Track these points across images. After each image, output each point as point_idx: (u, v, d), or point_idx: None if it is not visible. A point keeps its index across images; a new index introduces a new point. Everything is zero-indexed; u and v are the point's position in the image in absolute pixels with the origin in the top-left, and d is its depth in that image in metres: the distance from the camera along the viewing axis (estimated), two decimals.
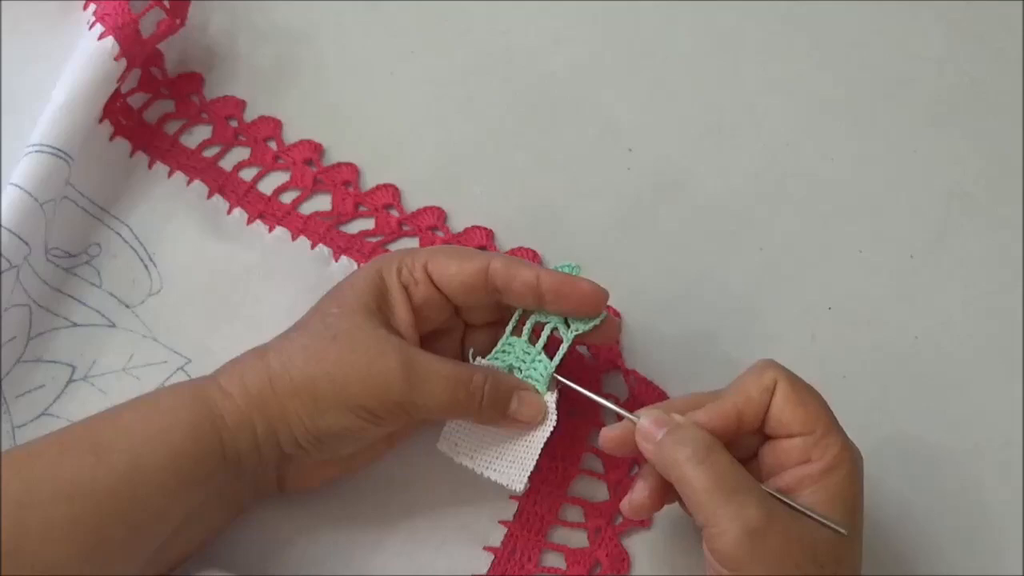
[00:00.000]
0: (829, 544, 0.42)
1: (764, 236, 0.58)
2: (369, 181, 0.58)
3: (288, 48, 0.62)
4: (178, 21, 0.58)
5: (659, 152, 0.60)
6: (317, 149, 0.59)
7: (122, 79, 0.56)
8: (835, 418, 0.45)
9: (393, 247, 0.57)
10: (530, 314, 0.49)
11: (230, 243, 0.56)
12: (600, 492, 0.52)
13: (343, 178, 0.58)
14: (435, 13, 0.63)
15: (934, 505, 0.52)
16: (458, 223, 0.57)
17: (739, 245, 0.58)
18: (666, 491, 0.46)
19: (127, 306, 0.54)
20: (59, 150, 0.53)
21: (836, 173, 0.60)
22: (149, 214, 0.56)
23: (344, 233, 0.57)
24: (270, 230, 0.57)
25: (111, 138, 0.58)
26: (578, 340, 0.48)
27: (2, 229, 0.50)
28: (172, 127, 0.59)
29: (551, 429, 0.48)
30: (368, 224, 0.57)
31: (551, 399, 0.48)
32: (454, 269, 0.47)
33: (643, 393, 0.53)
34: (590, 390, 0.48)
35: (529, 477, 0.47)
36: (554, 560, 0.50)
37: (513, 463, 0.48)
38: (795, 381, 0.45)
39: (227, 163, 0.58)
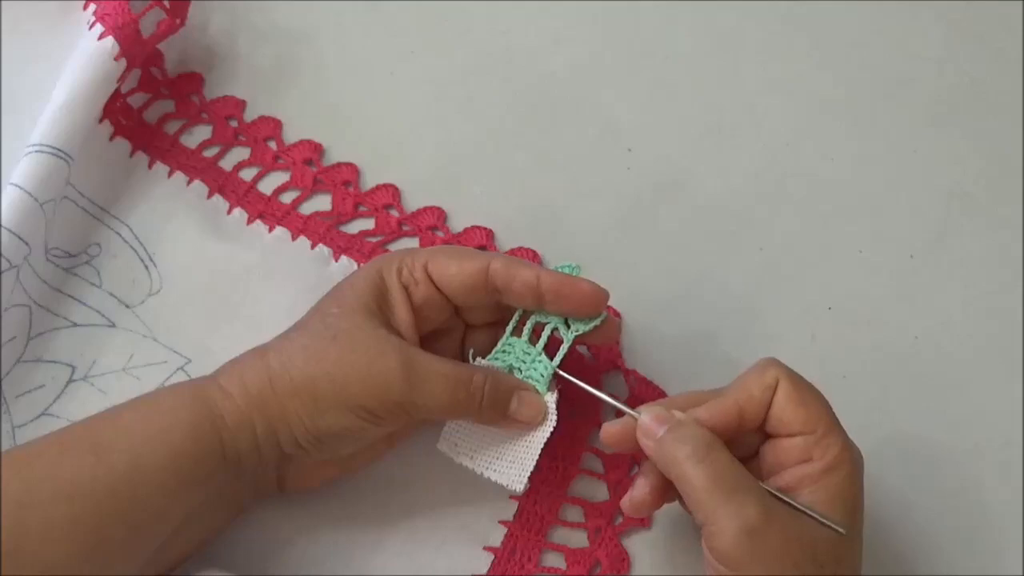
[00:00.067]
0: (829, 544, 0.42)
1: (764, 236, 0.58)
2: (369, 181, 0.58)
3: (288, 48, 0.62)
4: (178, 21, 0.58)
5: (659, 152, 0.60)
6: (317, 149, 0.59)
7: (122, 79, 0.56)
8: (836, 418, 0.45)
9: (393, 247, 0.57)
10: (530, 314, 0.49)
11: (230, 243, 0.56)
12: (600, 492, 0.52)
13: (343, 178, 0.58)
14: (435, 13, 0.63)
15: (934, 505, 0.52)
16: (458, 223, 0.57)
17: (739, 245, 0.58)
18: (667, 489, 0.46)
19: (127, 306, 0.54)
20: (59, 150, 0.53)
21: (836, 173, 0.60)
22: (149, 214, 0.56)
23: (344, 233, 0.57)
24: (270, 230, 0.57)
25: (111, 138, 0.58)
26: (578, 340, 0.48)
27: (2, 229, 0.50)
28: (172, 127, 0.59)
29: (551, 429, 0.48)
30: (368, 224, 0.57)
31: (551, 399, 0.48)
32: (454, 269, 0.47)
33: (643, 393, 0.53)
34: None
35: (529, 477, 0.47)
36: (554, 560, 0.50)
37: (513, 463, 0.48)
38: (797, 380, 0.45)
39: (227, 163, 0.58)
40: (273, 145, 0.59)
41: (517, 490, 0.48)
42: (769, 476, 0.45)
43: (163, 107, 0.60)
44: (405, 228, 0.57)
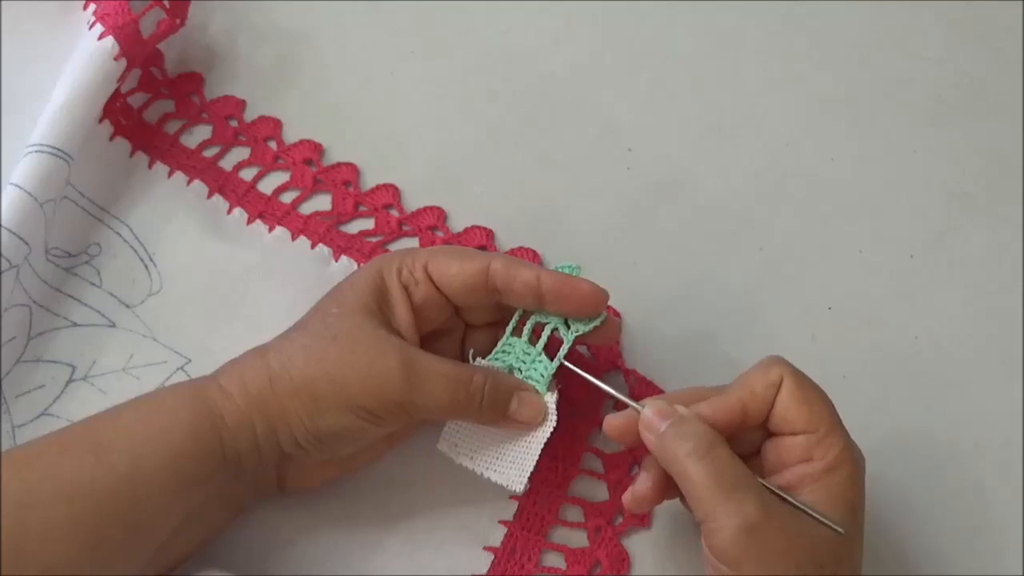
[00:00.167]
0: (829, 543, 0.42)
1: (764, 236, 0.58)
2: (369, 181, 0.58)
3: (288, 48, 0.62)
4: (178, 21, 0.58)
5: (659, 152, 0.60)
6: (317, 149, 0.59)
7: (122, 79, 0.56)
8: (839, 418, 0.45)
9: (393, 247, 0.57)
10: (530, 315, 0.49)
11: (230, 243, 0.56)
12: (600, 492, 0.52)
13: (343, 178, 0.58)
14: (435, 13, 0.63)
15: (934, 504, 0.52)
16: (458, 223, 0.57)
17: (739, 245, 0.58)
18: (668, 484, 0.46)
19: (127, 306, 0.54)
20: (59, 150, 0.53)
21: (836, 173, 0.60)
22: (149, 214, 0.56)
23: (344, 233, 0.57)
24: (270, 230, 0.57)
25: (111, 138, 0.58)
26: (578, 340, 0.48)
27: (2, 229, 0.50)
28: (172, 127, 0.59)
29: (551, 430, 0.48)
30: (368, 224, 0.57)
31: (551, 399, 0.48)
32: (454, 269, 0.47)
33: (643, 393, 0.53)
34: (590, 393, 0.48)
35: (529, 477, 0.47)
36: (554, 560, 0.50)
37: (513, 463, 0.48)
38: (801, 379, 0.45)
39: (227, 163, 0.58)
40: (273, 145, 0.59)
41: (517, 490, 0.48)
42: (770, 474, 0.45)
43: (163, 107, 0.60)
44: (405, 228, 0.57)
